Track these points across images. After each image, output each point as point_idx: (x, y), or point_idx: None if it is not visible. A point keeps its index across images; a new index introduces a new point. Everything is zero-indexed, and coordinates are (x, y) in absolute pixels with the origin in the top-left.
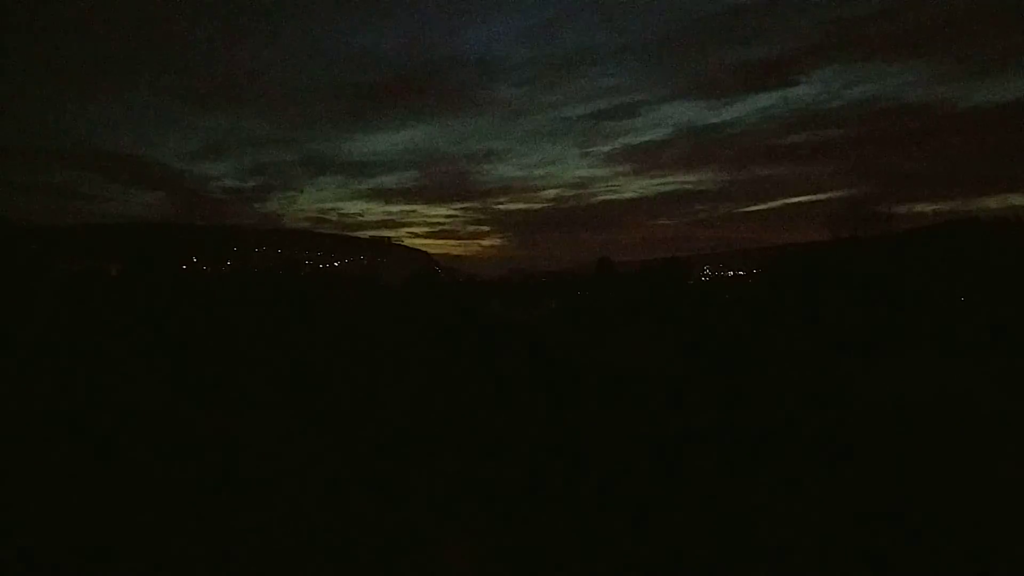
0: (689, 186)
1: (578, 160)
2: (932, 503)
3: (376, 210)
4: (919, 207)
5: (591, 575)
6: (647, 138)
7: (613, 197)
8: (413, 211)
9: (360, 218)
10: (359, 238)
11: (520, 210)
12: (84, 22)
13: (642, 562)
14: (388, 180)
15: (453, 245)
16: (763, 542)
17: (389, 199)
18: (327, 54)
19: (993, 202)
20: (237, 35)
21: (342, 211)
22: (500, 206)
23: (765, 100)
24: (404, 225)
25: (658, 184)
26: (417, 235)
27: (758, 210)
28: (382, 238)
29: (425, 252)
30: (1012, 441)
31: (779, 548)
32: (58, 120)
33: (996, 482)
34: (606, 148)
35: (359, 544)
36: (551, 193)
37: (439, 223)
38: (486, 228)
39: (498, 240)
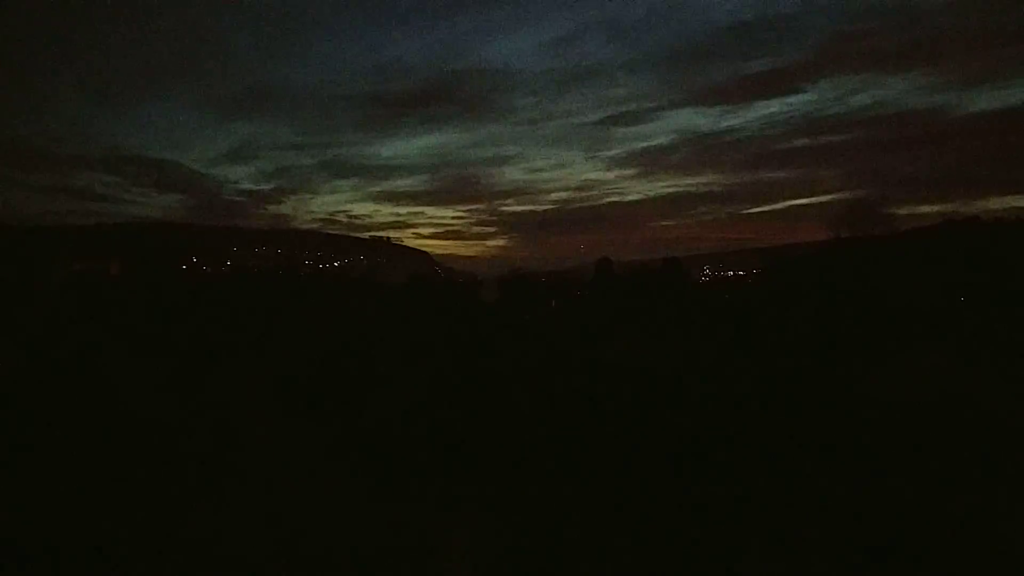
0: (693, 189)
1: (585, 164)
2: (934, 501)
3: (385, 212)
4: (920, 209)
5: (591, 571)
6: (653, 143)
7: (618, 199)
8: (420, 213)
9: (369, 219)
10: (359, 238)
11: (526, 212)
12: (115, 32)
13: (642, 558)
14: (400, 183)
15: (458, 246)
16: (765, 540)
17: (398, 201)
18: (355, 65)
19: (993, 204)
20: (267, 46)
21: (351, 213)
22: (506, 208)
23: (769, 107)
24: (411, 226)
25: (663, 187)
26: (422, 236)
27: (761, 212)
28: (382, 238)
29: (426, 252)
30: (1013, 440)
31: (781, 545)
32: (86, 126)
33: (997, 480)
34: (612, 152)
35: (364, 541)
36: (557, 196)
37: (445, 224)
38: (492, 229)
39: (503, 241)
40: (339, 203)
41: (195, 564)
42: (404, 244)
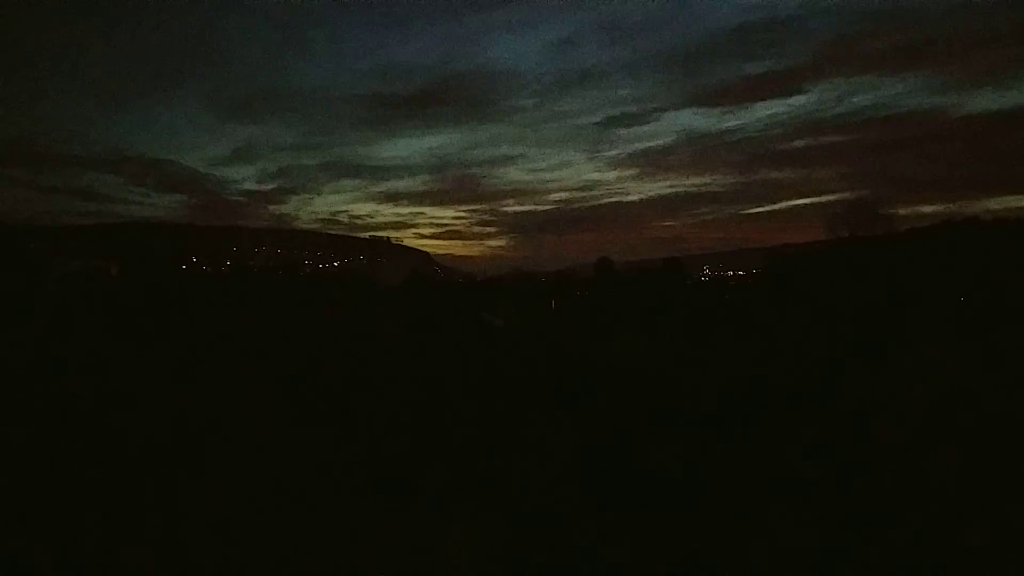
0: (694, 189)
1: (586, 164)
2: (934, 503)
3: (386, 212)
4: (920, 209)
5: (592, 570)
6: (654, 143)
7: (619, 200)
8: (421, 213)
9: (370, 219)
10: (359, 238)
11: (526, 212)
12: (120, 33)
13: (642, 557)
14: (402, 184)
15: (459, 246)
16: (763, 540)
17: (399, 201)
18: (358, 67)
19: (993, 204)
20: (271, 48)
21: (353, 213)
22: (507, 208)
23: (769, 108)
24: (412, 226)
25: (663, 187)
26: (423, 236)
27: (762, 212)
28: (382, 238)
29: (425, 252)
30: (1013, 441)
31: (779, 546)
32: (89, 127)
33: (997, 481)
34: (613, 153)
35: (363, 542)
36: (558, 196)
37: (446, 224)
38: (492, 229)
39: (503, 241)
40: (340, 203)
41: (194, 563)
42: (404, 244)
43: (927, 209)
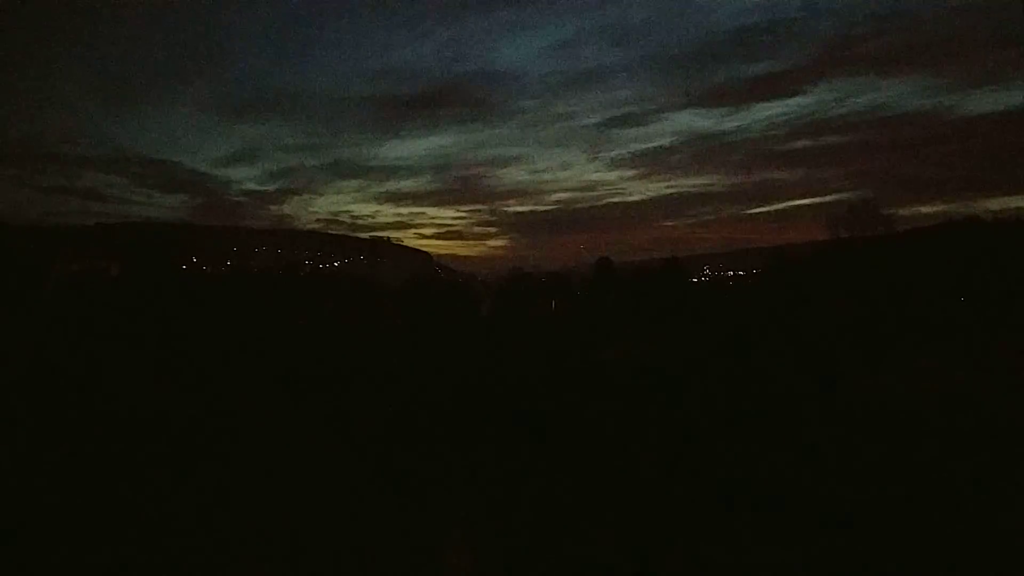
0: (694, 189)
1: (587, 165)
2: (933, 505)
3: (387, 212)
4: (920, 209)
5: (590, 569)
6: (654, 144)
7: (619, 200)
8: (422, 213)
9: (371, 220)
10: (360, 239)
11: (527, 212)
12: (124, 34)
13: (641, 556)
14: (403, 184)
15: (459, 246)
16: (759, 539)
17: (400, 202)
18: (361, 68)
19: (993, 204)
20: (274, 49)
21: (354, 213)
22: (508, 208)
23: (769, 109)
24: (412, 227)
25: (664, 187)
26: (423, 236)
27: (762, 212)
28: (383, 239)
29: (426, 252)
30: (1013, 442)
31: (775, 546)
32: (93, 128)
33: (997, 483)
34: (614, 154)
35: (363, 540)
36: (559, 196)
37: (446, 224)
38: (493, 230)
39: (504, 241)
40: (342, 204)
41: (197, 560)
42: (404, 244)
43: (927, 209)
